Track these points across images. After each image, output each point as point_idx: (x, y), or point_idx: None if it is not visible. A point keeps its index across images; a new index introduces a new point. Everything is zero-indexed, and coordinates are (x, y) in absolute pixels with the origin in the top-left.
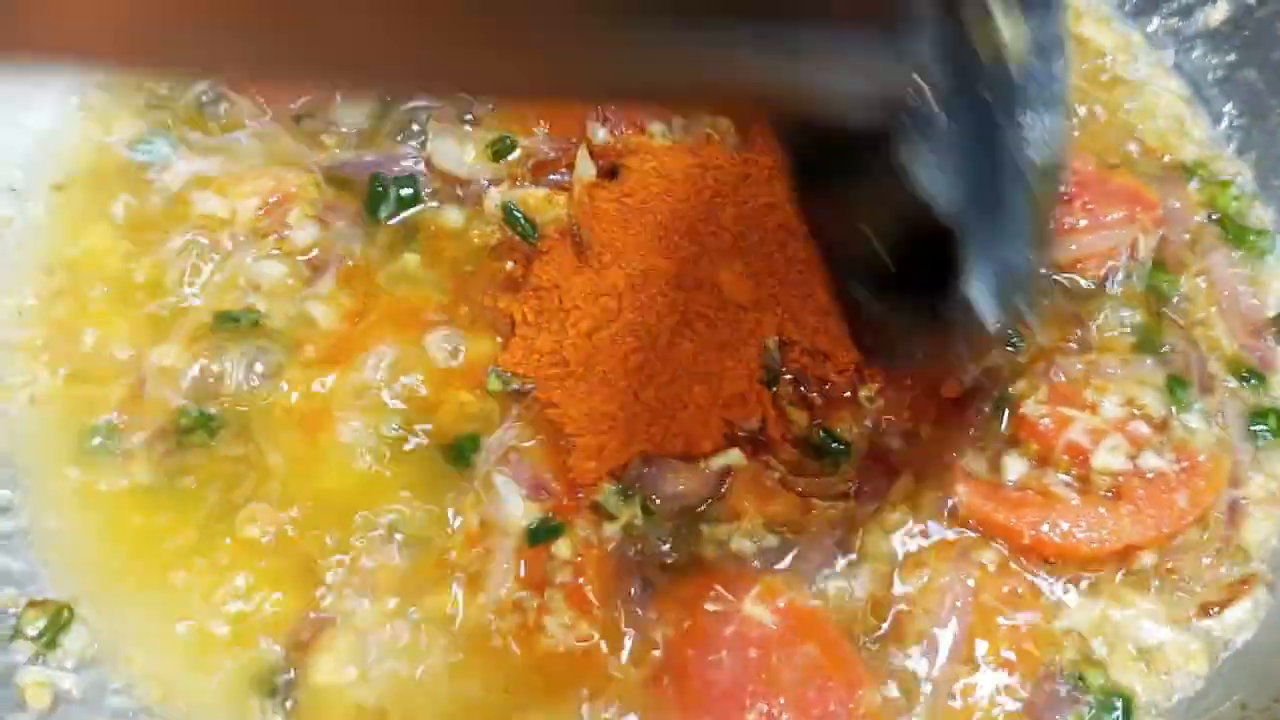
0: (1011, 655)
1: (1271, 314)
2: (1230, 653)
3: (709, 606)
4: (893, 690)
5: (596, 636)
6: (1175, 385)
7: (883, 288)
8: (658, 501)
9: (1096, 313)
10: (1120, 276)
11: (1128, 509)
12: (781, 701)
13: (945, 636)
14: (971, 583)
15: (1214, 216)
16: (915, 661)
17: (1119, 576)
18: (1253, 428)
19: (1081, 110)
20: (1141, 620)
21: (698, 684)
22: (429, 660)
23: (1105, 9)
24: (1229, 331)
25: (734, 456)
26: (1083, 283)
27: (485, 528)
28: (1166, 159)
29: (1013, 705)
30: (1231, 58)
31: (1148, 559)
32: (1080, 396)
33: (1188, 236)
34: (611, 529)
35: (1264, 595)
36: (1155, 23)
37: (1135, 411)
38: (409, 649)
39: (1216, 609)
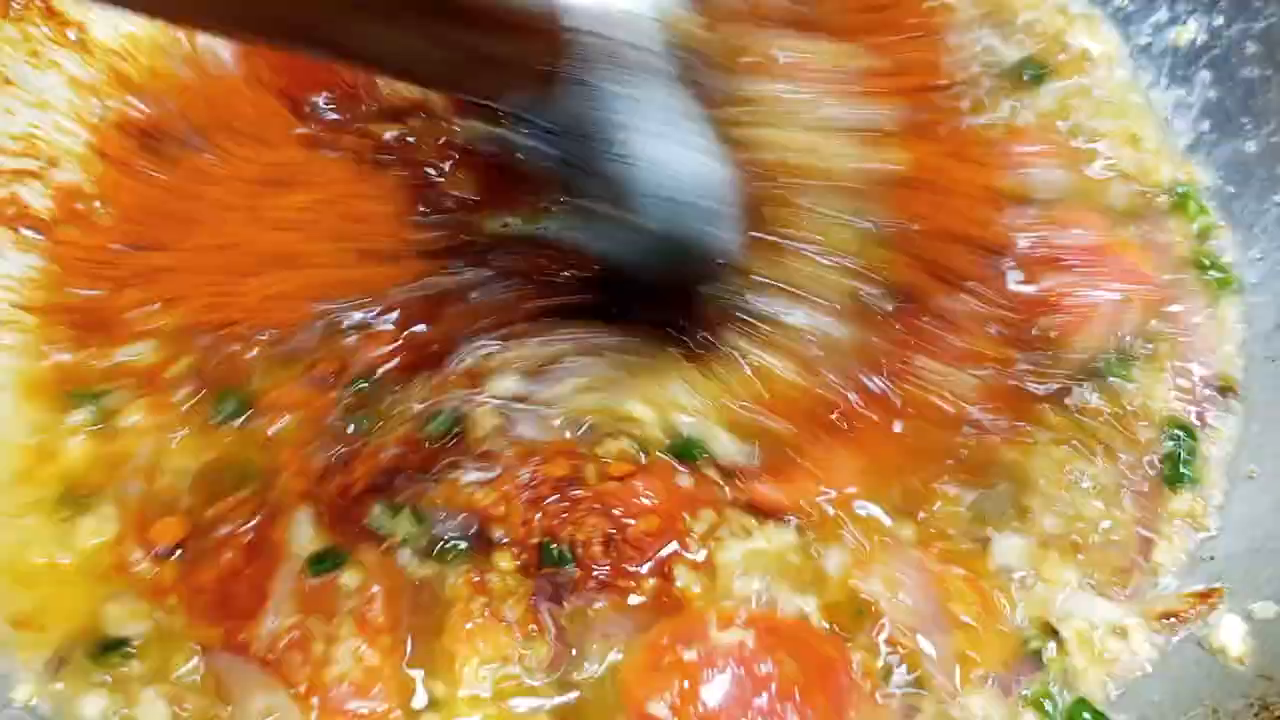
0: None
1: (1216, 369)
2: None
3: (685, 655)
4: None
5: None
6: None
7: None
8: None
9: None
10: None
11: None
12: (795, 697)
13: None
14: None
15: (1187, 254)
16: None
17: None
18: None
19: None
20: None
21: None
22: None
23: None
24: (1172, 386)
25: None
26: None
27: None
28: (1147, 193)
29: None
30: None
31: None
32: None
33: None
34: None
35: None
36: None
37: None
38: None
39: (1173, 620)
